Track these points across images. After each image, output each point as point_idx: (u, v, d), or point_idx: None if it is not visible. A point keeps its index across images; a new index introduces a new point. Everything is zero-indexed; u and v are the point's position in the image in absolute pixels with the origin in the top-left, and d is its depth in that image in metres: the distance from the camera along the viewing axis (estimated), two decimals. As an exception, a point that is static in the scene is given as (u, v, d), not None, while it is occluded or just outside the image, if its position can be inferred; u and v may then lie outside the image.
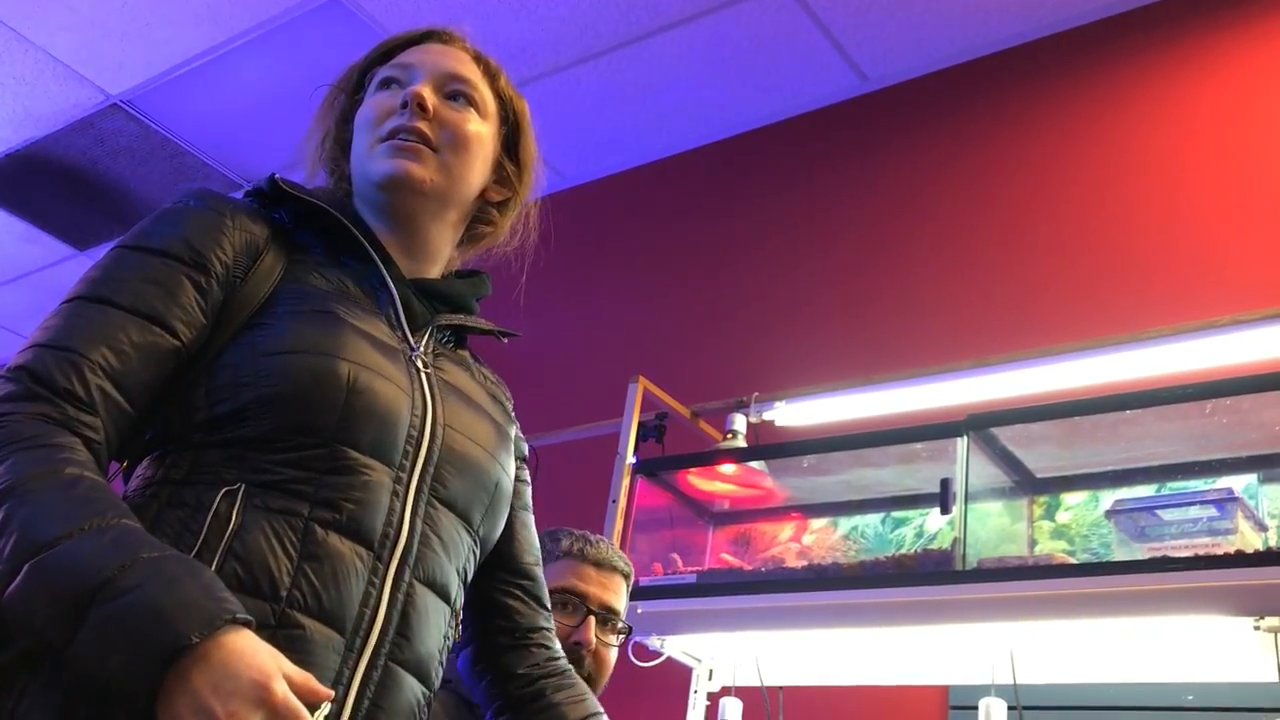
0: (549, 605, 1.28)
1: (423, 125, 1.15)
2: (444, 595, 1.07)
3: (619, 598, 1.83)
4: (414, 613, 1.02)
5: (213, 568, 0.91)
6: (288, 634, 0.93)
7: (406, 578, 1.02)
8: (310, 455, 0.98)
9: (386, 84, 1.19)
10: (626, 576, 1.86)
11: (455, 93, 1.19)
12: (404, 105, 1.15)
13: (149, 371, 0.98)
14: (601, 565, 1.82)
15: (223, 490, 0.96)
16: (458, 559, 1.09)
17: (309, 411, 0.99)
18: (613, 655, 1.81)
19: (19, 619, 0.85)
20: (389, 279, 1.14)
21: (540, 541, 1.84)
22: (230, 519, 0.94)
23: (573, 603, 1.78)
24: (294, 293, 1.07)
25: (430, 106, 1.15)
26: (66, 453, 0.90)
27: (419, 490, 1.04)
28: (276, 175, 1.13)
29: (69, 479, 0.89)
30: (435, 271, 1.21)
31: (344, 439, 1.00)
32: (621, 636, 1.82)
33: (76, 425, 0.93)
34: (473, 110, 1.19)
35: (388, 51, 1.23)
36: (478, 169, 1.20)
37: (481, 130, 1.20)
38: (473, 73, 1.22)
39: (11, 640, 0.89)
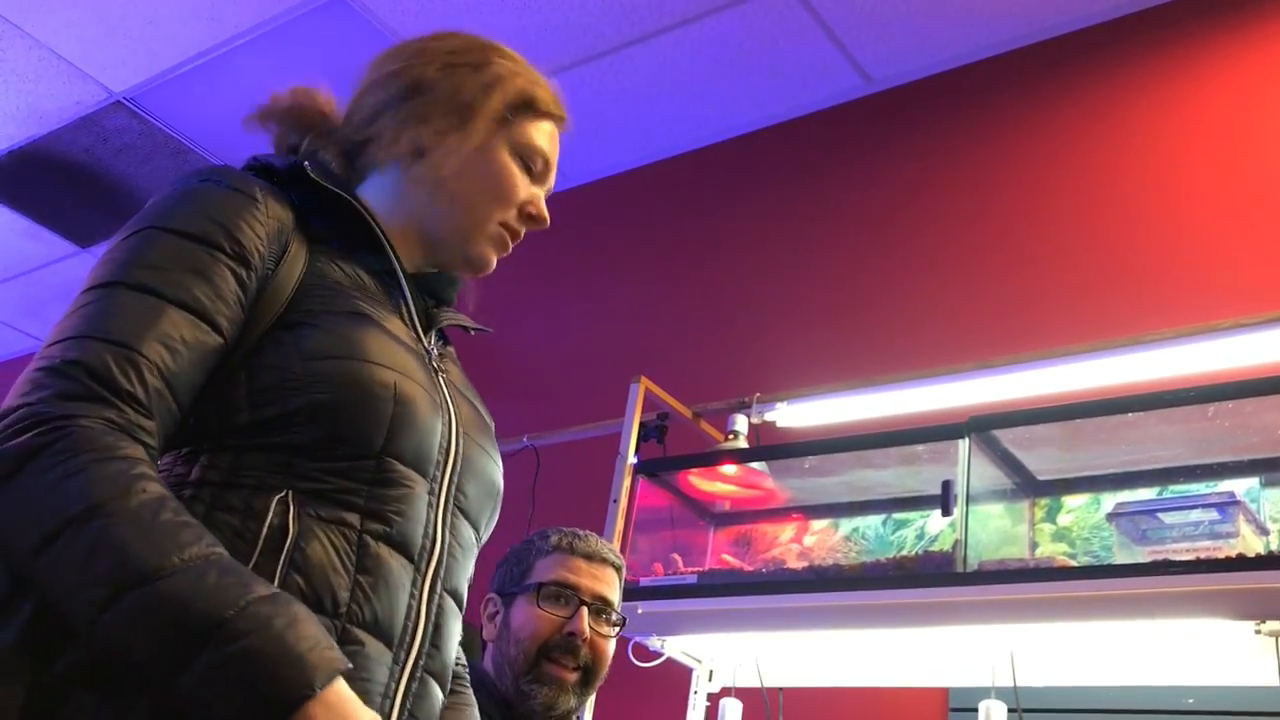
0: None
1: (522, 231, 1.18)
2: (460, 603, 1.08)
3: (611, 589, 1.84)
4: (443, 623, 1.03)
5: (275, 580, 0.90)
6: (349, 650, 0.92)
7: (438, 589, 1.02)
8: (358, 466, 0.97)
9: (523, 155, 1.16)
10: (618, 569, 1.87)
11: (543, 179, 1.20)
12: (530, 217, 1.17)
13: (197, 371, 0.95)
14: (591, 557, 1.83)
15: (274, 497, 0.93)
16: (469, 566, 1.10)
17: (358, 423, 0.97)
18: (610, 646, 1.81)
19: (110, 644, 0.82)
20: (403, 280, 1.12)
21: (530, 541, 1.86)
22: (287, 529, 0.92)
23: (564, 595, 1.79)
24: (322, 287, 1.04)
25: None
26: (141, 466, 0.88)
27: (447, 500, 1.04)
28: (307, 163, 1.09)
29: (154, 499, 0.86)
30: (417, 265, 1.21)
31: (390, 451, 0.99)
32: (617, 628, 1.83)
33: (137, 431, 0.90)
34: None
35: (531, 101, 1.17)
36: None
37: None
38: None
39: (66, 651, 0.86)
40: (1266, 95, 2.58)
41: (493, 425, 1.20)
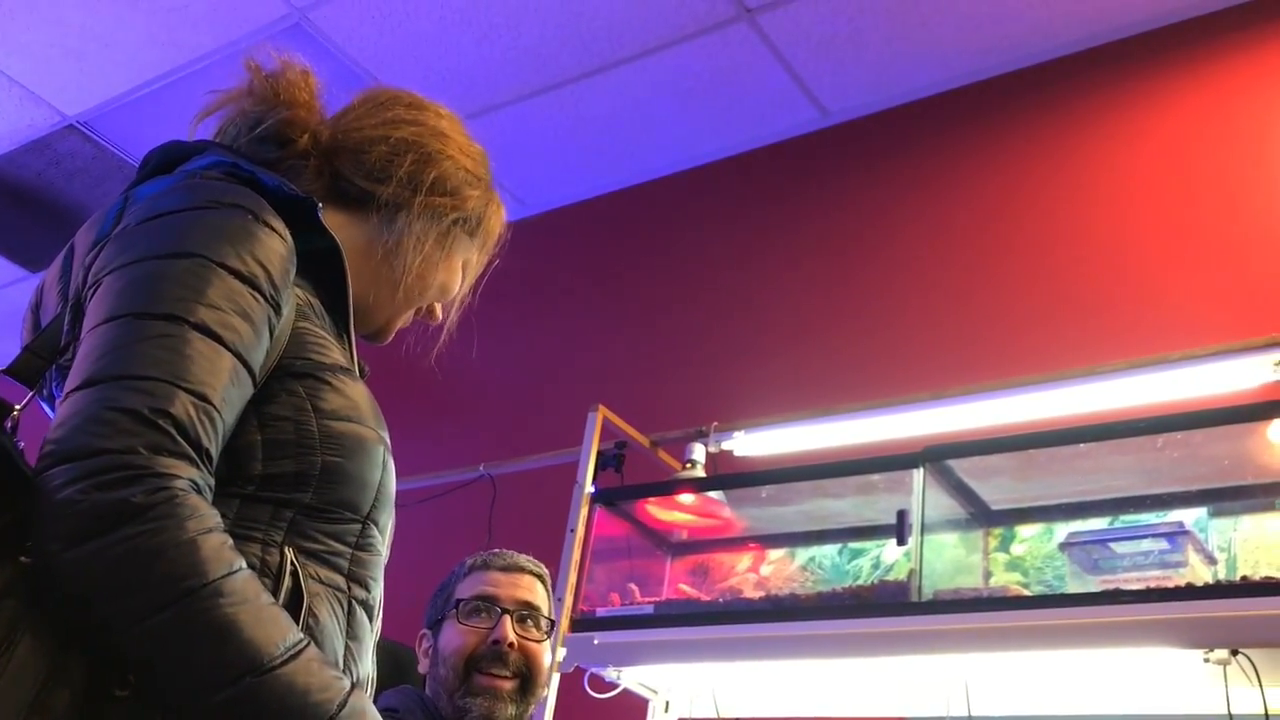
0: None
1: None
2: None
3: (534, 595, 1.85)
4: (376, 677, 1.06)
5: None
6: None
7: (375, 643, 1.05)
8: (348, 529, 0.98)
9: (465, 269, 1.24)
10: (539, 576, 1.89)
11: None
12: (429, 312, 1.24)
13: (235, 422, 0.93)
14: (509, 569, 1.86)
15: (283, 556, 0.94)
16: None
17: (359, 488, 0.98)
18: (543, 652, 1.82)
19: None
20: (353, 332, 1.10)
21: (451, 572, 1.89)
22: (300, 592, 0.93)
23: (485, 608, 1.80)
24: (310, 331, 1.02)
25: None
26: (229, 537, 0.87)
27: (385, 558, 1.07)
28: (320, 204, 1.07)
29: (251, 577, 0.86)
30: None
31: (374, 516, 1.01)
32: (548, 633, 1.84)
33: (207, 491, 0.88)
34: None
35: (495, 238, 1.27)
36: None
37: None
38: None
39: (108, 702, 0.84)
40: (1214, 130, 2.64)
41: None
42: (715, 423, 2.59)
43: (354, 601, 0.97)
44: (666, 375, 3.19)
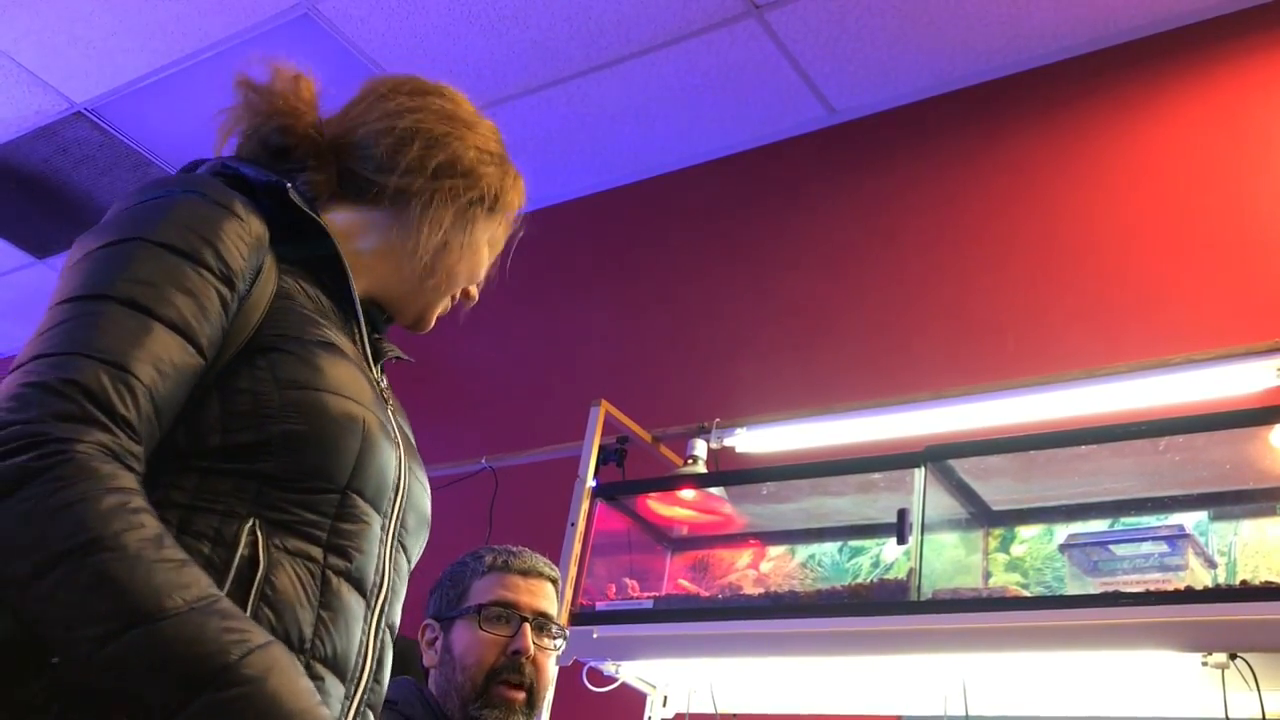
0: None
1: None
2: (394, 635, 1.09)
3: (550, 603, 1.84)
4: (384, 657, 1.05)
5: (247, 610, 0.90)
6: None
7: (382, 624, 1.04)
8: (323, 499, 0.97)
9: (492, 247, 1.24)
10: (554, 581, 1.88)
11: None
12: (466, 295, 1.25)
13: (180, 394, 0.94)
14: (528, 573, 1.84)
15: (243, 525, 0.93)
16: (403, 595, 1.12)
17: (329, 456, 0.97)
18: (552, 661, 1.82)
19: (107, 681, 0.82)
20: (360, 316, 1.12)
21: (463, 563, 1.87)
22: (257, 560, 0.93)
23: (505, 614, 1.79)
24: (292, 310, 1.03)
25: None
26: (137, 499, 0.86)
27: (393, 535, 1.06)
28: (289, 186, 1.08)
29: (155, 536, 0.85)
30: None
31: (354, 486, 0.99)
32: (559, 641, 1.83)
33: (128, 458, 0.88)
34: None
35: (514, 208, 1.26)
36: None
37: None
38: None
39: (36, 675, 0.85)
40: (1219, 135, 2.64)
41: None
42: (717, 419, 2.59)
43: (330, 572, 0.96)
44: (669, 371, 3.19)
